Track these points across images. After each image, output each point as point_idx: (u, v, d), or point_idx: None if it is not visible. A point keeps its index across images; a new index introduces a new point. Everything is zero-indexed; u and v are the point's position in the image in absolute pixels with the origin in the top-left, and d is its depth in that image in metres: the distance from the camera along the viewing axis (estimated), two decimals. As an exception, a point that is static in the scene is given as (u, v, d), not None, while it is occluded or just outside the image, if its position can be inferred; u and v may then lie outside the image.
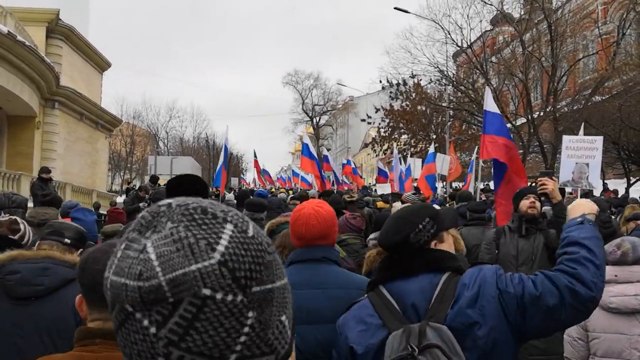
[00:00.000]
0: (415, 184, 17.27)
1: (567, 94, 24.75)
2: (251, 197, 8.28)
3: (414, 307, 1.87)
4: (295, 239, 2.63)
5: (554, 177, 4.16)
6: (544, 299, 1.78)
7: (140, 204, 10.38)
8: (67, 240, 3.10)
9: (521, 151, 24.83)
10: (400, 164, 18.23)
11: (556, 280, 1.81)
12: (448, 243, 2.08)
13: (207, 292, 0.66)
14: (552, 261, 4.36)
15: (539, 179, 4.10)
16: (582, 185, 9.88)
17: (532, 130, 23.18)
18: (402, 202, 8.92)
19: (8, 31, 16.90)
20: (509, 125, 25.81)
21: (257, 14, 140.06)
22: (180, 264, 0.67)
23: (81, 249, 3.17)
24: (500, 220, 6.44)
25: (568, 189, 10.83)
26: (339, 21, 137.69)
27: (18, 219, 3.31)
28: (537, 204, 4.70)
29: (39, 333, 2.55)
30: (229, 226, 0.71)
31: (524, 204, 4.71)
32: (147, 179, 45.37)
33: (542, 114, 23.72)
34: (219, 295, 0.67)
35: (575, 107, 22.24)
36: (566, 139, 10.63)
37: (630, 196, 14.48)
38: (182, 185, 3.19)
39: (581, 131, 11.69)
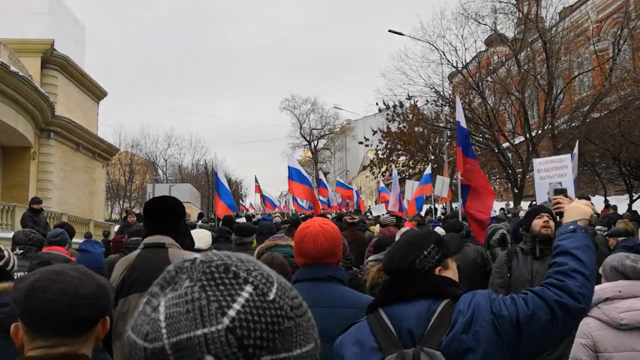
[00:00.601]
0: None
1: (564, 111, 24.72)
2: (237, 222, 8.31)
3: (409, 333, 1.88)
4: (301, 256, 2.59)
5: (569, 195, 3.94)
6: (535, 316, 1.79)
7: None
8: None
9: (520, 170, 24.73)
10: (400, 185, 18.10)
11: (544, 295, 1.82)
12: (452, 270, 2.07)
13: (210, 359, 0.63)
14: None
15: (553, 197, 3.88)
16: None
17: (530, 149, 23.08)
18: (381, 225, 8.79)
19: (1, 62, 16.84)
20: (506, 144, 25.85)
21: (253, 43, 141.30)
22: (187, 328, 0.65)
23: None
24: (478, 235, 6.48)
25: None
26: (333, 47, 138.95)
27: (1, 246, 3.20)
28: (552, 223, 4.29)
29: None
30: (248, 288, 0.68)
31: (537, 223, 4.35)
32: (145, 207, 45.48)
33: (540, 132, 23.65)
34: None
35: (573, 124, 22.15)
36: (536, 161, 11.04)
37: (633, 211, 14.28)
38: (159, 207, 3.39)
39: (575, 149, 11.82)
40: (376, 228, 8.10)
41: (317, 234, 2.55)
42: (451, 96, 29.62)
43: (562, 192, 3.97)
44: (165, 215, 3.38)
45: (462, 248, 3.35)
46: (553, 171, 10.28)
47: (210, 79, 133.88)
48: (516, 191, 24.51)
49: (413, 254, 1.98)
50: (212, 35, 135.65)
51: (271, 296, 0.69)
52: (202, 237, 5.07)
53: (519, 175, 24.41)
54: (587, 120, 21.37)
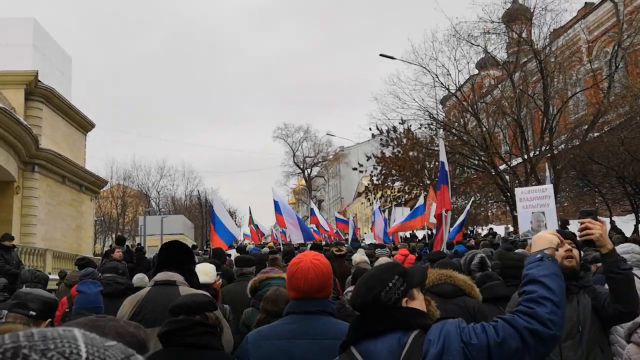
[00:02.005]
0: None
1: (560, 131, 24.27)
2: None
3: None
4: (292, 290, 2.66)
5: (600, 218, 3.19)
6: (506, 343, 1.79)
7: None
8: (32, 313, 3.14)
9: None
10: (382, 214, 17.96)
11: (514, 322, 1.83)
12: (419, 300, 2.06)
13: None
14: (606, 332, 3.36)
15: (580, 221, 3.12)
16: None
17: (528, 170, 22.52)
18: (376, 258, 8.71)
19: (-20, 93, 16.21)
20: (503, 166, 25.30)
21: (244, 74, 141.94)
22: None
23: (50, 319, 3.25)
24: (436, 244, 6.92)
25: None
26: (324, 76, 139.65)
27: None
28: (575, 252, 3.44)
29: None
30: None
31: (559, 254, 3.31)
32: (137, 239, 44.54)
33: (537, 152, 23.10)
34: None
35: (572, 144, 21.66)
36: (518, 191, 11.22)
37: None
38: (173, 249, 3.74)
39: (547, 173, 12.04)
40: (356, 257, 8.03)
41: (308, 269, 2.60)
42: (445, 119, 29.23)
43: (590, 214, 3.19)
44: (178, 257, 3.66)
45: (426, 277, 3.32)
46: (535, 200, 10.49)
47: (202, 110, 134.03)
48: (515, 214, 23.84)
49: (378, 287, 1.99)
50: (203, 67, 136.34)
51: None
52: (207, 271, 4.98)
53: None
54: (587, 139, 20.87)
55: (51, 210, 24.05)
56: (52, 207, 24.15)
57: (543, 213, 10.42)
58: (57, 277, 11.62)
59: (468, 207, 19.91)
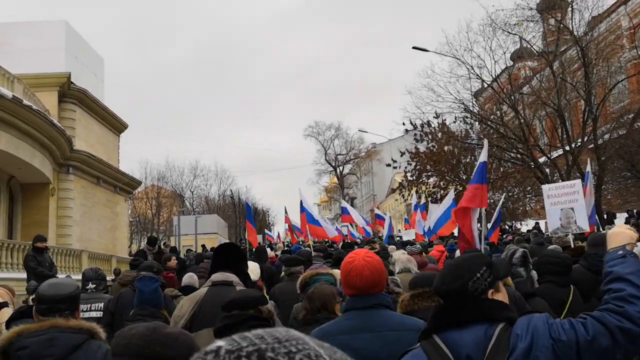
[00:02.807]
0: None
1: (601, 121, 23.27)
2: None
3: (468, 358, 1.86)
4: (348, 288, 2.76)
5: None
6: (596, 341, 1.79)
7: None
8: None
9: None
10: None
11: (605, 320, 1.83)
12: (503, 293, 2.06)
13: None
14: None
15: None
16: (571, 230, 10.06)
17: (570, 163, 21.64)
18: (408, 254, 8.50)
19: (13, 95, 16.29)
20: (543, 159, 24.42)
21: (275, 74, 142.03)
22: None
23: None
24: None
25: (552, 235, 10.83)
26: (355, 73, 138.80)
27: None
28: None
29: None
30: None
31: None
32: (173, 240, 44.87)
33: (579, 144, 22.15)
34: None
35: (618, 134, 20.70)
36: (546, 187, 11.14)
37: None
38: (229, 251, 3.91)
39: (588, 167, 12.20)
40: (396, 255, 7.81)
41: (362, 267, 2.70)
42: (481, 112, 28.41)
43: None
44: (232, 259, 3.79)
45: (510, 272, 3.71)
46: (564, 197, 10.31)
47: (234, 111, 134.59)
48: (557, 208, 22.95)
49: (466, 276, 1.97)
50: (235, 69, 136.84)
51: None
52: (252, 269, 4.96)
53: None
54: (634, 127, 19.90)
55: (86, 211, 24.22)
56: (87, 208, 24.33)
57: (572, 209, 10.18)
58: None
59: (501, 202, 19.23)
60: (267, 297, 5.05)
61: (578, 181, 11.00)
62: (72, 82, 23.11)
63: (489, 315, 1.92)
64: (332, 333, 2.67)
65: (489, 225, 14.26)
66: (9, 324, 3.72)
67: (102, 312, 5.55)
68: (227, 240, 49.69)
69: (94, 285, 5.79)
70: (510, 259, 5.62)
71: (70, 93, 23.36)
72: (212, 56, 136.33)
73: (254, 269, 5.05)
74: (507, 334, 1.86)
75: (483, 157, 8.25)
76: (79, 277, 13.64)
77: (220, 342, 0.59)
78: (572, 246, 8.54)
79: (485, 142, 9.91)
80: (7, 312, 4.37)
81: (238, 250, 4.05)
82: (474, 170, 8.22)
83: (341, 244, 15.71)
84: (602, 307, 1.90)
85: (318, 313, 3.44)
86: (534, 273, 5.09)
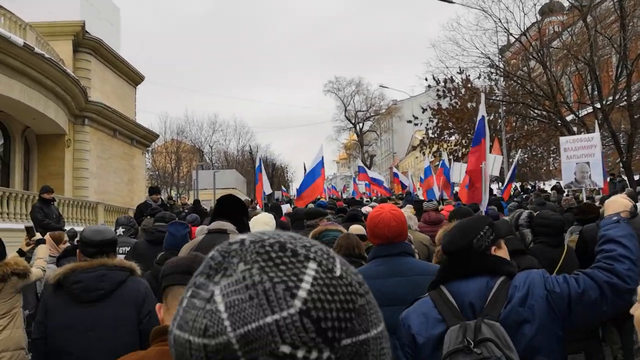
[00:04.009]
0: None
1: (635, 77, 22.10)
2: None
3: (471, 306, 2.09)
4: (376, 238, 3.08)
5: None
6: (586, 294, 2.01)
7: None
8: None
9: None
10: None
11: (595, 276, 2.04)
12: (504, 250, 2.30)
13: (286, 349, 0.55)
14: None
15: None
16: (585, 185, 10.10)
17: (599, 121, 20.70)
18: (424, 211, 8.80)
19: (24, 43, 15.82)
20: (570, 117, 23.47)
21: (296, 30, 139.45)
22: (254, 316, 0.56)
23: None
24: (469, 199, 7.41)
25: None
26: (378, 29, 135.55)
27: None
28: None
29: (105, 329, 3.13)
30: (312, 265, 0.60)
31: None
32: (192, 194, 44.86)
33: (610, 101, 21.11)
34: (300, 353, 0.55)
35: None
36: (563, 140, 10.90)
37: None
38: (228, 200, 4.08)
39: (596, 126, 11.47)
40: (406, 210, 7.81)
41: (389, 219, 3.00)
42: (506, 68, 27.29)
43: None
44: (231, 207, 3.99)
45: (511, 231, 4.38)
46: (581, 150, 10.17)
47: (252, 67, 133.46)
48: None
49: (471, 234, 2.17)
50: (253, 27, 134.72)
51: (338, 272, 0.60)
52: (266, 221, 4.98)
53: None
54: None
55: (103, 163, 24.04)
56: (103, 160, 24.14)
57: (588, 164, 10.09)
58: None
59: (515, 160, 18.57)
60: None
61: (596, 134, 10.69)
62: (87, 32, 22.55)
63: (491, 269, 2.14)
64: (365, 276, 2.63)
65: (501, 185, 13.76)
66: (58, 260, 4.81)
67: (125, 255, 5.75)
68: (247, 197, 49.63)
69: (123, 230, 6.34)
70: (517, 221, 5.94)
71: (85, 42, 22.82)
72: (231, 14, 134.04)
73: (268, 220, 5.14)
74: (506, 285, 2.08)
75: (482, 111, 7.89)
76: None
77: (244, 235, 0.63)
78: (580, 202, 8.48)
79: (482, 95, 9.61)
80: (44, 248, 5.01)
81: (238, 201, 4.16)
82: (476, 128, 7.87)
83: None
84: (594, 265, 2.11)
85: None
86: (527, 231, 5.30)
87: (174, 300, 1.84)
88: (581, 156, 10.18)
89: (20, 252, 4.96)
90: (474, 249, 2.14)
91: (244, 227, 3.92)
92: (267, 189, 13.05)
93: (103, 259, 3.23)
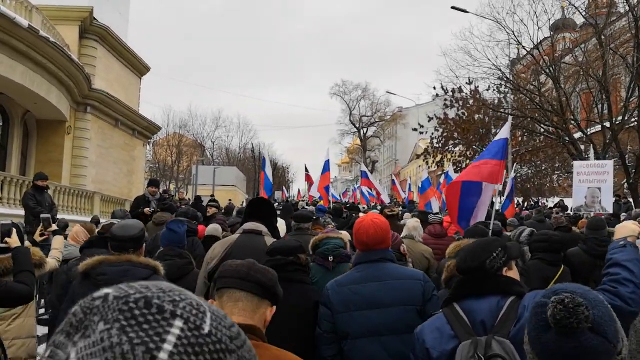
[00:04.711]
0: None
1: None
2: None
3: (482, 324, 2.17)
4: (358, 244, 3.23)
5: None
6: None
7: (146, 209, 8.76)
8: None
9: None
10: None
11: None
12: (515, 271, 2.39)
13: None
14: None
15: None
16: (595, 210, 10.05)
17: (607, 141, 20.37)
18: (429, 223, 8.73)
19: (29, 25, 15.51)
20: (578, 134, 23.15)
21: (305, 32, 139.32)
22: None
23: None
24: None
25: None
26: (386, 36, 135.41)
27: None
28: None
29: None
30: (178, 323, 0.57)
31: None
32: (190, 189, 44.54)
33: (620, 121, 20.78)
34: None
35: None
36: (577, 164, 11.19)
37: None
38: (262, 204, 4.47)
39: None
40: (410, 223, 7.50)
41: (369, 227, 3.13)
42: (517, 81, 26.96)
43: None
44: (266, 211, 4.23)
45: (522, 253, 4.84)
46: (593, 175, 10.36)
47: (260, 66, 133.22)
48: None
49: (484, 256, 2.27)
50: (264, 27, 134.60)
51: (206, 329, 0.57)
52: (278, 226, 5.08)
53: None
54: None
55: (103, 152, 23.74)
56: (104, 149, 23.83)
57: (599, 189, 10.28)
58: (105, 220, 11.29)
59: (512, 176, 18.19)
60: None
61: (610, 162, 11.06)
62: (95, 18, 22.27)
63: (502, 289, 2.23)
64: (344, 284, 3.15)
65: (502, 199, 13.50)
66: (81, 250, 4.94)
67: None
68: (246, 195, 49.26)
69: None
70: (519, 238, 6.12)
71: (92, 29, 22.55)
72: (242, 13, 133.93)
73: (281, 225, 5.29)
74: (516, 305, 2.16)
75: (505, 133, 7.58)
76: (89, 219, 13.15)
77: (108, 290, 0.59)
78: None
79: (510, 118, 9.49)
80: (60, 239, 5.04)
81: (270, 204, 4.48)
82: (492, 144, 7.54)
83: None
84: (599, 288, 2.23)
85: None
86: (527, 249, 5.35)
87: (230, 301, 1.95)
88: (593, 181, 10.31)
89: (34, 242, 4.95)
90: (487, 270, 2.24)
91: (274, 230, 4.16)
92: (269, 190, 12.74)
93: (130, 255, 3.30)
